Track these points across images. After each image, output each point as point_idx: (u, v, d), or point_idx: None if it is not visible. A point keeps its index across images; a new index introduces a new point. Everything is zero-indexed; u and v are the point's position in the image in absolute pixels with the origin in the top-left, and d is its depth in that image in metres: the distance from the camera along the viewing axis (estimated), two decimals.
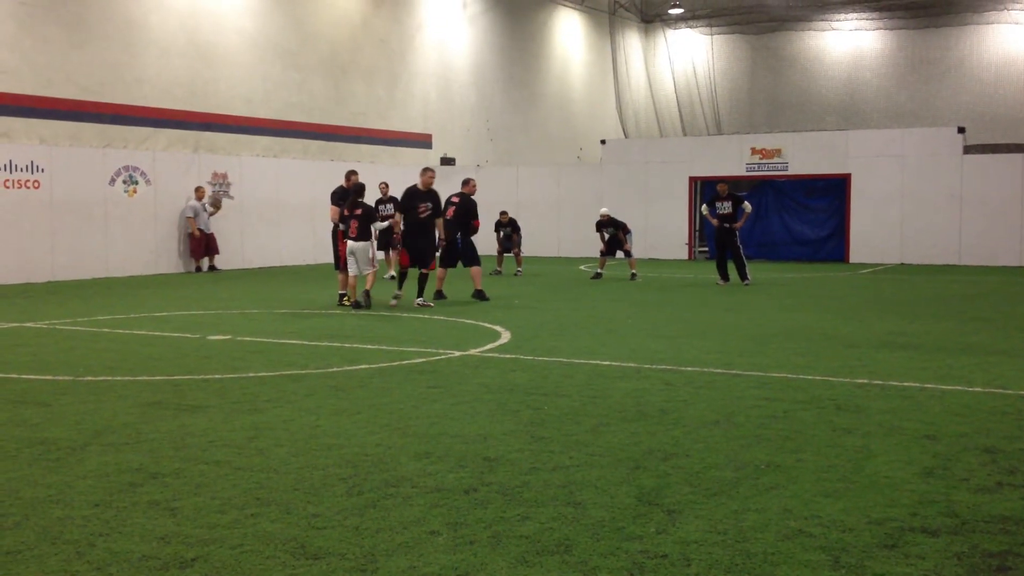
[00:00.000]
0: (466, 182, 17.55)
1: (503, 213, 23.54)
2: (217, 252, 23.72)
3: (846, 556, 4.52)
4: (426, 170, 15.84)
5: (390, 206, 22.36)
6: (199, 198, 23.32)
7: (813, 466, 6.03)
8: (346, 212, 15.09)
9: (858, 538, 4.76)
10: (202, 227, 23.29)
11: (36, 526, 5.01)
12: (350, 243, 15.00)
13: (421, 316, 14.29)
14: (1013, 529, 4.87)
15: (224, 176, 24.36)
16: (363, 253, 14.98)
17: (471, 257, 16.75)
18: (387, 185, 22.99)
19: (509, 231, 23.19)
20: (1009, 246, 25.17)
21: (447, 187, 30.72)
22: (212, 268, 23.57)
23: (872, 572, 4.33)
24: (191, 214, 23.10)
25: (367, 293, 15.01)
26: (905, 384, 8.74)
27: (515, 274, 22.47)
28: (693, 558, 4.50)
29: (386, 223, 15.73)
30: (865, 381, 8.88)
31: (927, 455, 6.28)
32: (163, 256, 22.67)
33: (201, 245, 23.34)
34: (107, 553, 4.61)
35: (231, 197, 24.27)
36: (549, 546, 4.66)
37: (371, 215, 15.14)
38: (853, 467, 6.01)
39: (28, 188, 20.27)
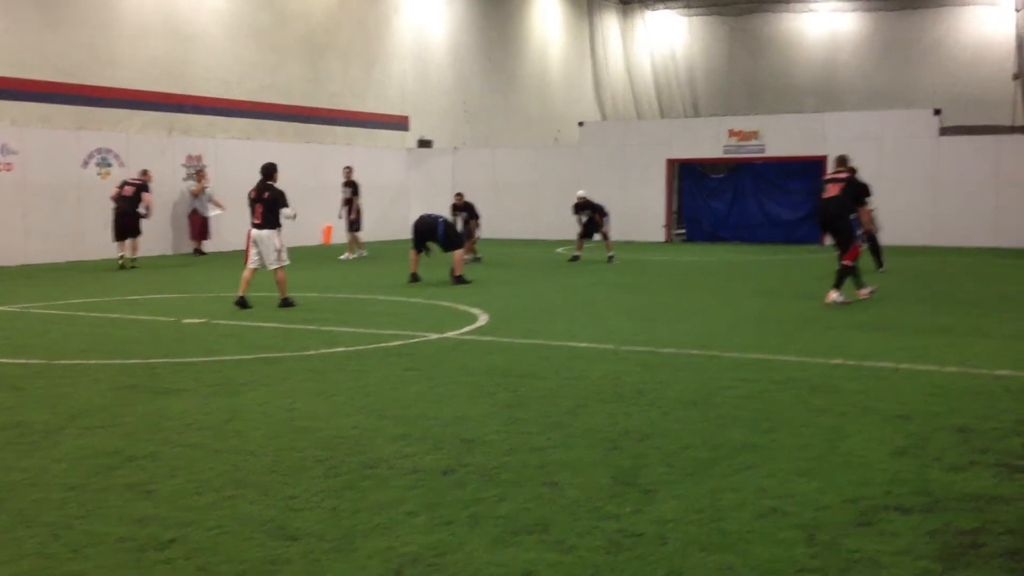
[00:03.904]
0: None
1: (458, 195, 21.84)
2: (208, 237, 23.76)
3: (820, 534, 4.56)
4: (844, 159, 13.71)
5: (349, 190, 22.39)
6: (199, 180, 23.49)
7: (788, 446, 6.08)
8: (252, 195, 13.30)
9: (832, 516, 4.80)
10: (199, 210, 23.44)
11: (12, 509, 5.00)
12: (253, 231, 13.17)
13: (398, 299, 14.26)
14: (985, 507, 4.93)
15: (199, 159, 24.22)
16: (267, 243, 13.08)
17: (455, 241, 16.63)
18: (351, 169, 22.89)
19: (466, 216, 21.26)
20: (983, 227, 25.32)
21: (422, 172, 30.67)
22: (198, 251, 23.58)
23: (846, 549, 4.38)
24: (193, 187, 23.52)
25: (283, 299, 13.08)
26: (879, 365, 8.81)
27: (475, 260, 20.82)
28: (669, 536, 4.54)
29: (293, 212, 13.42)
30: (840, 362, 8.94)
31: (900, 434, 6.34)
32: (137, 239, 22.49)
33: (197, 227, 23.50)
34: (84, 535, 4.61)
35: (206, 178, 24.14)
36: (526, 526, 4.68)
37: (278, 200, 13.16)
38: (827, 446, 6.06)
39: (1, 170, 20.07)
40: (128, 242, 19.71)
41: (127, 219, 19.69)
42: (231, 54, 25.69)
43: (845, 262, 13.21)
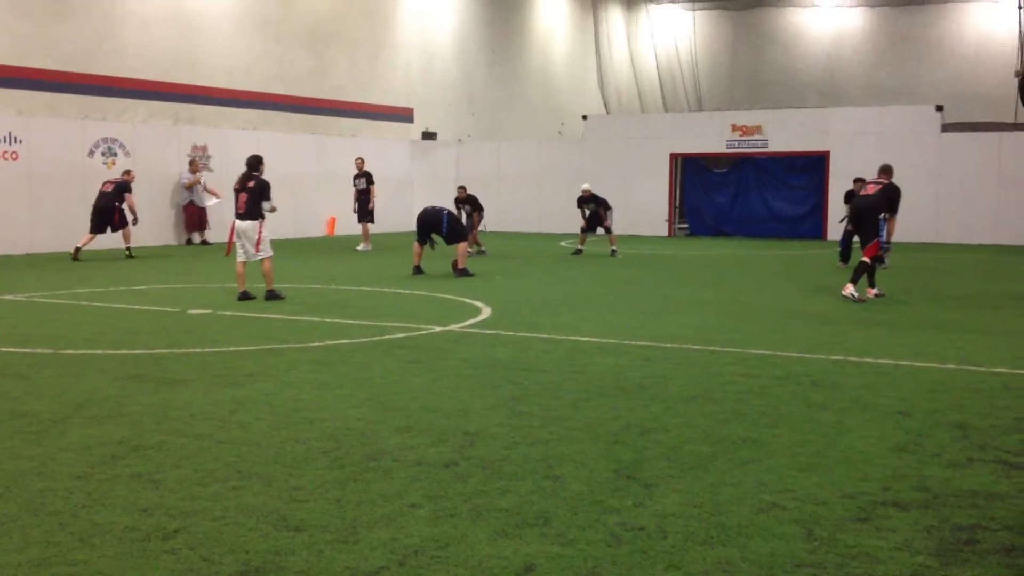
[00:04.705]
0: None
1: (461, 188, 21.99)
2: (207, 227, 23.88)
3: (819, 529, 4.61)
4: (888, 168, 14.29)
5: (363, 181, 22.46)
6: (193, 171, 23.47)
7: (788, 441, 6.12)
8: (236, 186, 13.24)
9: (831, 511, 4.85)
10: (195, 201, 23.51)
11: (18, 498, 5.04)
12: (237, 222, 13.13)
13: (402, 291, 14.32)
14: (982, 503, 4.98)
15: (204, 149, 24.27)
16: (249, 234, 12.99)
17: (459, 234, 16.71)
18: (363, 160, 22.98)
19: (469, 209, 21.37)
20: (985, 224, 25.35)
21: (426, 164, 30.68)
22: (204, 242, 23.71)
23: (844, 544, 4.42)
24: (186, 179, 23.36)
25: (269, 291, 13.03)
26: (880, 361, 8.85)
27: (479, 252, 20.89)
28: (669, 530, 4.58)
29: (271, 206, 13.20)
30: (841, 358, 8.99)
31: (900, 431, 6.39)
32: (143, 229, 22.53)
33: (195, 219, 23.59)
34: (90, 524, 4.66)
35: (211, 170, 24.19)
36: (528, 519, 4.73)
37: (263, 191, 13.05)
38: (827, 442, 6.11)
39: (6, 159, 20.13)
40: (120, 233, 19.73)
41: (102, 214, 19.44)
42: (237, 44, 25.72)
43: (865, 258, 13.47)
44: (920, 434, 6.30)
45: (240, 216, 13.10)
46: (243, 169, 13.39)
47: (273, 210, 13.37)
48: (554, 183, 29.49)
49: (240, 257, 13.17)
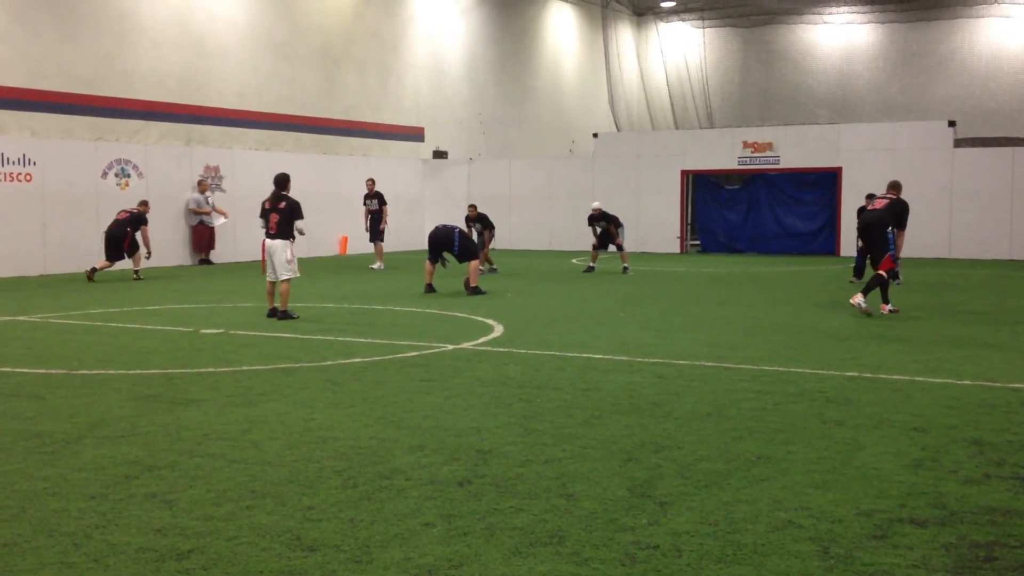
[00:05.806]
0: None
1: (472, 207, 21.93)
2: (213, 247, 23.91)
3: (835, 547, 4.58)
4: (896, 185, 14.48)
5: (375, 201, 22.52)
6: (201, 191, 23.49)
7: (803, 458, 6.09)
8: (267, 205, 13.27)
9: (847, 529, 4.82)
10: (204, 221, 23.52)
11: (33, 518, 5.05)
12: (267, 242, 13.16)
13: (414, 310, 14.32)
14: (1000, 520, 4.94)
15: (216, 169, 24.36)
16: (279, 254, 13.02)
17: (470, 252, 16.71)
18: (373, 181, 23.05)
19: (480, 227, 21.30)
20: (999, 239, 25.26)
21: (437, 182, 30.75)
22: (206, 261, 23.73)
23: (861, 562, 4.39)
24: (194, 205, 23.34)
25: (282, 311, 13.02)
26: (895, 377, 8.80)
27: (491, 270, 20.96)
28: (684, 549, 4.56)
29: (302, 226, 13.35)
30: (855, 374, 8.95)
31: (916, 447, 6.35)
32: (156, 249, 22.63)
33: (204, 238, 23.61)
34: (104, 545, 4.66)
35: (223, 190, 24.28)
36: (542, 537, 4.71)
37: (295, 211, 13.12)
38: (843, 459, 6.07)
39: (20, 181, 20.23)
40: (131, 258, 19.68)
41: (116, 242, 19.38)
42: (247, 65, 25.84)
43: (879, 272, 13.50)
44: (936, 450, 6.27)
45: (271, 236, 13.14)
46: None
47: (301, 233, 13.45)
48: (565, 201, 29.50)
49: (270, 277, 13.22)
